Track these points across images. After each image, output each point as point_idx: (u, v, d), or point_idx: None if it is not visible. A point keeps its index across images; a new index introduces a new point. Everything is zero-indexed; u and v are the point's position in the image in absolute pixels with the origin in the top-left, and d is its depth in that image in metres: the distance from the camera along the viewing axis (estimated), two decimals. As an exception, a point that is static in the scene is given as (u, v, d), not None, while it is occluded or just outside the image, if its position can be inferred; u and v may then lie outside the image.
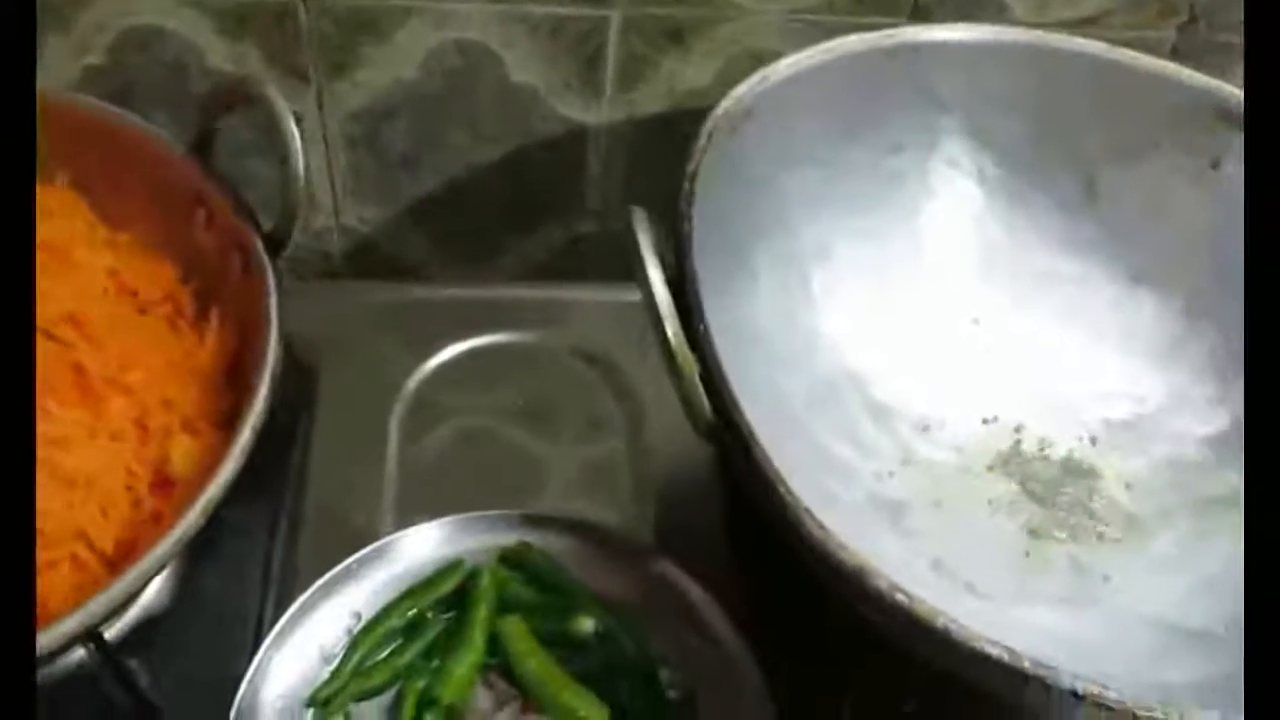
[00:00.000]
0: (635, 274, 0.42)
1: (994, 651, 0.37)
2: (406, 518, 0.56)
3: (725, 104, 0.53)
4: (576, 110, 0.69)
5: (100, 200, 0.55)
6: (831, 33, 0.65)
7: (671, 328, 0.39)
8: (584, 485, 0.61)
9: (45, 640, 0.39)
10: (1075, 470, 0.57)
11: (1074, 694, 0.36)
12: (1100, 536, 0.54)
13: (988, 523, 0.55)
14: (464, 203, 0.74)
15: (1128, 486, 0.56)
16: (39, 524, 0.42)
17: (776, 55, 0.67)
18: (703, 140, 0.51)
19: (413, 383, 0.64)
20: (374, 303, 0.70)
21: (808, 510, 0.39)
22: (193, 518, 0.41)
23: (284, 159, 0.48)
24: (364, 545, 0.53)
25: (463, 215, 0.75)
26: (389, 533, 0.54)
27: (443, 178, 0.73)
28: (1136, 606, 0.52)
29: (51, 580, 0.43)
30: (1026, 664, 0.36)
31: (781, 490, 0.40)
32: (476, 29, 0.64)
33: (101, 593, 0.39)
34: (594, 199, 0.75)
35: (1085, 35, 0.62)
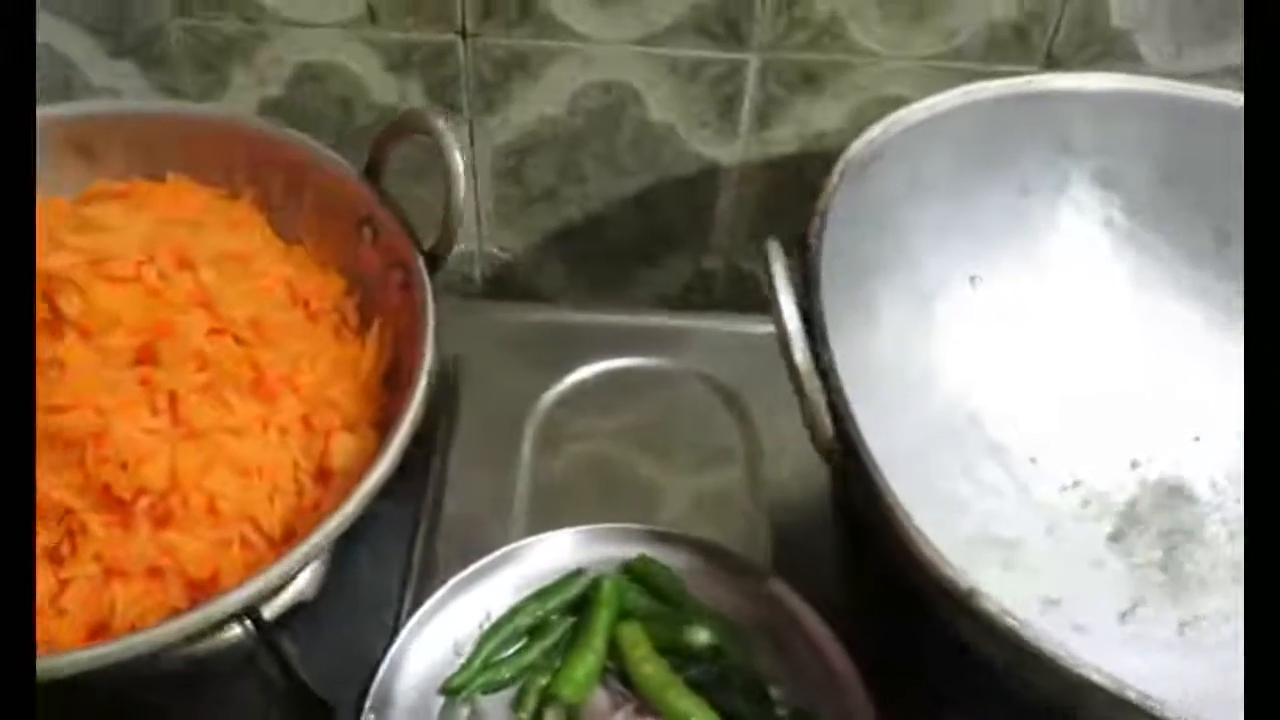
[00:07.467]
0: (769, 302, 0.44)
1: (1099, 679, 0.38)
2: (536, 526, 0.60)
3: (857, 145, 0.55)
4: (711, 149, 0.72)
5: (277, 216, 0.61)
6: (963, 79, 0.67)
7: (800, 353, 0.41)
8: (703, 507, 0.64)
9: (213, 611, 0.43)
10: (1194, 516, 0.57)
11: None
12: (1216, 584, 0.54)
13: (1101, 565, 0.56)
14: (600, 234, 0.78)
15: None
16: (215, 505, 0.47)
17: (906, 101, 0.70)
18: (834, 178, 0.53)
19: (546, 400, 0.68)
20: (510, 323, 0.74)
21: (921, 533, 0.41)
22: (351, 508, 0.45)
23: (448, 185, 0.53)
24: (496, 549, 0.57)
25: (598, 246, 0.78)
26: (519, 539, 0.58)
27: (581, 210, 0.76)
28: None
29: (224, 558, 0.47)
30: (1131, 695, 0.37)
31: (898, 514, 0.41)
32: (621, 70, 0.68)
33: (265, 570, 0.43)
34: (721, 235, 0.78)
35: (1224, 84, 0.62)
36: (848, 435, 0.43)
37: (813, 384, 0.42)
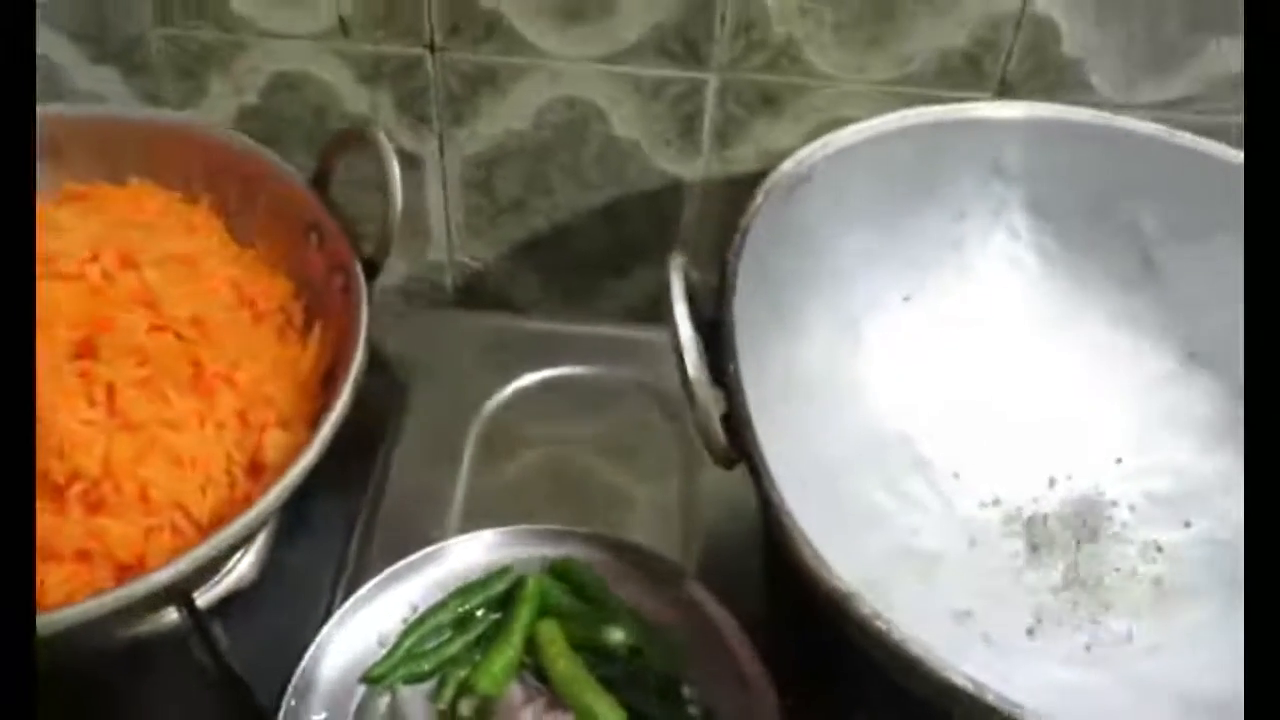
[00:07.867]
0: (665, 313, 0.46)
1: (960, 681, 0.39)
2: (471, 526, 0.61)
3: (786, 165, 0.57)
4: (674, 165, 0.74)
5: (234, 221, 0.63)
6: (914, 103, 0.69)
7: (691, 362, 0.43)
8: (639, 513, 0.65)
9: (138, 589, 0.45)
10: (1110, 536, 0.58)
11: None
12: (1126, 603, 0.55)
13: (1016, 580, 0.57)
14: (567, 245, 0.79)
15: (1160, 558, 0.57)
16: (147, 493, 0.49)
17: (860, 123, 0.71)
18: (759, 198, 0.55)
19: (493, 406, 0.70)
20: (472, 330, 0.76)
21: (807, 538, 0.42)
22: (274, 496, 0.47)
23: (385, 194, 0.55)
24: (429, 546, 0.59)
25: (566, 257, 0.80)
26: (453, 537, 0.60)
27: (549, 221, 0.78)
28: (1156, 672, 0.52)
29: (153, 544, 0.49)
30: (990, 697, 0.39)
31: (784, 518, 0.43)
32: (585, 87, 0.70)
33: (190, 553, 0.45)
34: (686, 249, 0.80)
35: (1172, 118, 0.64)
36: (744, 445, 0.45)
37: (704, 393, 0.43)
